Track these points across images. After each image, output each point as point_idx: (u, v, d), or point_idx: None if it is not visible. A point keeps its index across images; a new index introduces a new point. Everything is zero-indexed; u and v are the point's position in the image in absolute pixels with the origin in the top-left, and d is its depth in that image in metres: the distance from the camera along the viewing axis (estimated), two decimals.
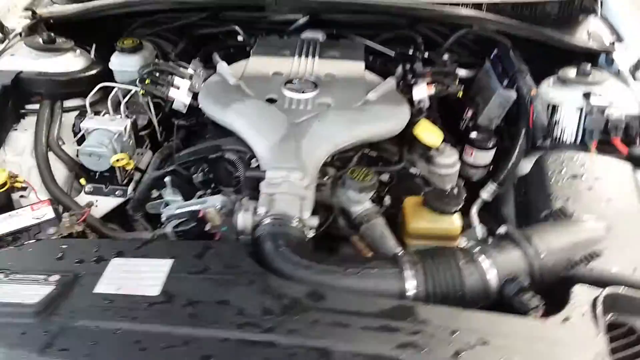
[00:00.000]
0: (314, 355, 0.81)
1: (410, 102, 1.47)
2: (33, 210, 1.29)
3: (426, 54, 1.71)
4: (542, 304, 0.93)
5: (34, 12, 1.70)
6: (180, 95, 1.43)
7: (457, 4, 1.67)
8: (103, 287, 0.95)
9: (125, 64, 1.57)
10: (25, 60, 1.52)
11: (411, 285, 0.96)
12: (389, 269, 0.99)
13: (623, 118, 1.37)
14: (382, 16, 1.69)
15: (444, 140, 1.42)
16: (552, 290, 0.99)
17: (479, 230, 1.44)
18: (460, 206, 1.19)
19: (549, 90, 1.50)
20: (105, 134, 1.40)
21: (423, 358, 0.79)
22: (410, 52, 1.72)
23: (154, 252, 1.04)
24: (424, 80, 1.54)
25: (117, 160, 1.35)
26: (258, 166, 1.22)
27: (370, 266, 1.00)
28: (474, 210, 1.52)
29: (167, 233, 1.18)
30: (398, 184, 1.33)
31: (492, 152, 1.52)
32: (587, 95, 1.43)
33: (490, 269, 0.98)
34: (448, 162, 1.44)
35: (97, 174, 1.45)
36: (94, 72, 1.56)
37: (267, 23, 1.79)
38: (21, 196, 1.39)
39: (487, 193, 1.50)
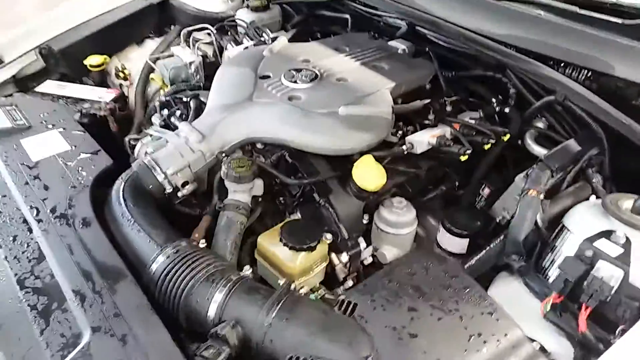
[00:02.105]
0: None
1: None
2: (106, 92, 1.72)
3: (507, 109, 1.37)
4: None
5: None
6: (232, 49, 1.60)
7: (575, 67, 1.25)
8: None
9: (243, 18, 1.82)
10: None
11: (159, 261, 0.95)
12: (154, 241, 0.99)
13: (611, 285, 0.86)
14: (471, 48, 1.41)
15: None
16: None
17: None
18: (308, 247, 1.03)
19: (577, 209, 1.04)
20: (175, 60, 1.70)
21: None
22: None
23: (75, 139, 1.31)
24: (444, 126, 1.27)
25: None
26: None
27: (150, 231, 1.02)
28: None
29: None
30: (304, 204, 1.20)
31: (462, 242, 1.16)
32: (605, 234, 0.93)
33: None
34: (393, 219, 1.19)
35: None
36: (219, 16, 1.87)
37: (382, 23, 1.72)
38: (120, 85, 1.84)
39: None
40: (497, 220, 1.19)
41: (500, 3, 1.35)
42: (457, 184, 1.33)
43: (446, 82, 1.47)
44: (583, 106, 1.18)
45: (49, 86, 1.71)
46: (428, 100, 1.32)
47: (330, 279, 1.20)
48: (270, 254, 1.09)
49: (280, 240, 1.06)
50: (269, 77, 1.38)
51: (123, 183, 1.13)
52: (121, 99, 1.73)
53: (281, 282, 1.04)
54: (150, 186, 1.14)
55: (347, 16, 1.76)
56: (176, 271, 0.93)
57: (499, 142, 1.29)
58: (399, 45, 1.56)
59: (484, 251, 1.09)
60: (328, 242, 1.15)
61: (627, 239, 0.92)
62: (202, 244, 1.06)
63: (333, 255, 1.18)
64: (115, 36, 1.85)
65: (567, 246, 0.99)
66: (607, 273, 0.88)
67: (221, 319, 0.88)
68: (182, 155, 1.17)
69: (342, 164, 1.21)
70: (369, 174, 1.15)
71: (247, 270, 1.00)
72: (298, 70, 1.38)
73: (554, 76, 1.22)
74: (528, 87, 1.34)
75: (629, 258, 0.89)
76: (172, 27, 1.95)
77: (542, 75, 1.24)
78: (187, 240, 1.02)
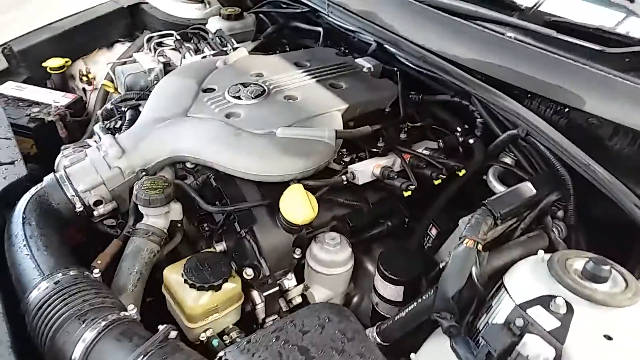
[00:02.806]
0: None
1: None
2: (62, 97, 1.64)
3: (471, 140, 1.23)
4: None
5: None
6: (190, 58, 1.51)
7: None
8: None
9: (214, 27, 1.73)
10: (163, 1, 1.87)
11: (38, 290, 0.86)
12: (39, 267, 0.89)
13: None
14: (438, 71, 1.26)
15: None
16: None
17: None
18: (211, 286, 0.92)
19: (519, 266, 0.89)
20: (134, 67, 1.61)
21: None
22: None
23: None
24: (391, 156, 1.15)
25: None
26: None
27: (40, 255, 0.92)
28: None
29: None
30: (226, 232, 1.09)
31: (397, 289, 1.03)
32: (544, 301, 0.79)
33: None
34: (323, 257, 1.06)
35: None
36: (190, 23, 1.78)
37: (356, 39, 1.59)
38: (83, 88, 1.76)
39: None
40: (441, 266, 1.05)
41: (468, 22, 1.21)
42: (407, 220, 1.19)
43: (412, 107, 1.34)
44: (546, 144, 1.03)
45: (7, 87, 1.65)
46: (378, 126, 1.19)
47: (251, 319, 1.09)
48: (172, 289, 0.98)
49: (182, 276, 0.95)
50: (213, 90, 1.27)
51: (28, 198, 1.04)
52: (78, 104, 1.65)
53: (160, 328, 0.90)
54: (58, 203, 1.05)
55: (320, 29, 1.64)
56: (50, 304, 0.83)
57: (456, 177, 1.16)
58: (365, 64, 1.44)
59: (414, 303, 0.95)
60: (248, 278, 1.04)
61: (569, 308, 0.77)
62: (97, 274, 0.95)
63: (255, 293, 1.06)
64: (82, 39, 1.78)
65: (503, 309, 0.84)
66: (536, 350, 0.73)
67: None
68: (97, 171, 1.08)
69: (274, 191, 1.09)
70: (297, 206, 1.03)
71: (132, 310, 0.88)
72: (245, 85, 1.27)
73: (514, 108, 1.07)
74: (495, 118, 1.20)
75: (566, 333, 0.74)
76: (146, 31, 1.88)
77: (502, 107, 1.10)
78: (80, 269, 0.92)
